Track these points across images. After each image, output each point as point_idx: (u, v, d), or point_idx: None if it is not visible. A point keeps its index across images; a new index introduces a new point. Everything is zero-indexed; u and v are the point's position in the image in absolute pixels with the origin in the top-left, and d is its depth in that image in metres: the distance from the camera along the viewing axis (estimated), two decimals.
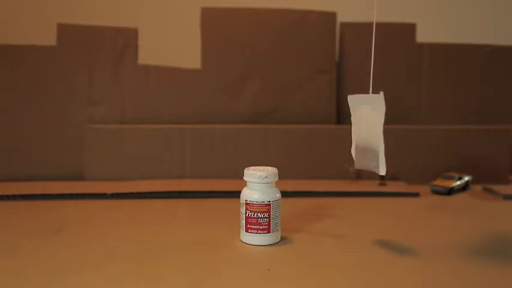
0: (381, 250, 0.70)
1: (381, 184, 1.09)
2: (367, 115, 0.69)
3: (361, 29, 1.27)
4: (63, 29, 1.17)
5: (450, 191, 1.05)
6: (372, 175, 1.14)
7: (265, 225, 0.70)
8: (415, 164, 1.16)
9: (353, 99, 0.70)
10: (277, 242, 0.71)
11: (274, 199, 0.70)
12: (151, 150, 1.15)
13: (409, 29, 1.27)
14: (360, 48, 1.27)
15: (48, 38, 1.17)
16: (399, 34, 1.27)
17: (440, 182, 1.07)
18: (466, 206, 0.98)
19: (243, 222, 0.71)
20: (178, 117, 1.20)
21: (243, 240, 0.71)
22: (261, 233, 0.70)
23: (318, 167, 1.16)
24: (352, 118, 0.71)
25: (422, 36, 1.27)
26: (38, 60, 1.16)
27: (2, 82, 1.15)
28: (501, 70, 1.29)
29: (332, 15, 1.24)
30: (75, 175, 1.15)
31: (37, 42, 1.17)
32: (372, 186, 1.08)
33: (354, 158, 0.72)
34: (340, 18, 1.25)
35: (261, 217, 0.69)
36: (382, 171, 0.68)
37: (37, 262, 0.64)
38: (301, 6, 1.24)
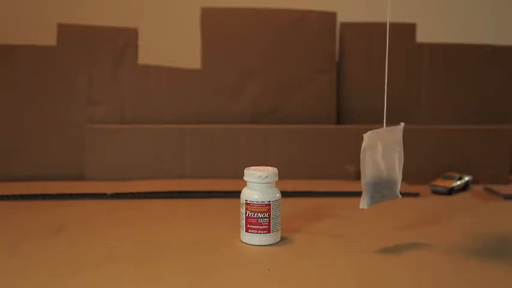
0: (381, 250, 0.70)
1: None
2: (388, 146, 0.70)
3: (361, 29, 1.27)
4: (63, 29, 1.17)
5: (450, 191, 1.05)
6: None
7: (265, 225, 0.70)
8: (415, 164, 1.16)
9: (369, 136, 0.68)
10: (277, 242, 0.71)
11: (274, 199, 0.70)
12: (151, 150, 1.15)
13: (409, 29, 1.27)
14: (360, 48, 1.27)
15: (48, 38, 1.17)
16: (399, 34, 1.27)
17: (440, 182, 1.07)
18: (467, 206, 0.98)
19: (243, 222, 0.71)
20: (178, 117, 1.20)
21: (243, 240, 0.71)
22: (261, 233, 0.70)
23: (318, 167, 1.16)
24: (364, 155, 0.68)
25: (422, 36, 1.27)
26: (38, 60, 1.16)
27: (2, 82, 1.15)
28: (501, 70, 1.29)
29: (332, 15, 1.24)
30: (75, 175, 1.15)
31: (37, 42, 1.16)
32: None
33: (366, 197, 0.69)
34: (340, 18, 1.25)
35: (261, 217, 0.69)
36: (398, 194, 0.72)
37: (37, 262, 0.64)
38: (301, 6, 1.24)
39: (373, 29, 1.25)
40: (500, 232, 0.80)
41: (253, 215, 0.70)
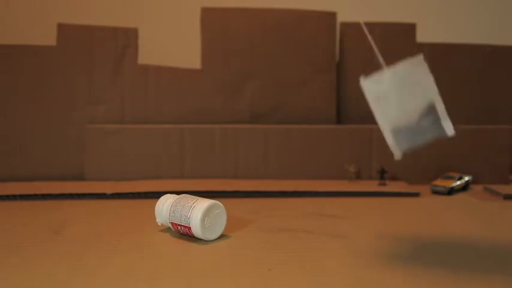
0: (381, 250, 0.70)
1: (380, 184, 1.09)
2: (407, 81, 0.63)
3: (361, 29, 1.27)
4: (63, 29, 1.17)
5: (450, 191, 1.05)
6: (372, 175, 1.15)
7: (186, 227, 0.71)
8: (415, 164, 1.16)
9: (367, 83, 0.63)
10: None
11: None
12: (151, 150, 1.15)
13: (409, 29, 1.27)
14: (360, 48, 1.27)
15: (48, 38, 1.17)
16: (399, 34, 1.27)
17: (440, 182, 1.07)
18: (466, 206, 0.98)
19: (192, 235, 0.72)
20: (178, 117, 1.20)
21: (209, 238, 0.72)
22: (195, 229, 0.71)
23: (318, 167, 1.16)
24: (373, 103, 0.63)
25: (422, 36, 1.27)
26: (38, 60, 1.16)
27: (2, 82, 1.15)
28: (501, 70, 1.29)
29: (332, 15, 1.24)
30: (75, 175, 1.15)
31: (37, 42, 1.17)
32: (372, 186, 1.08)
33: (394, 145, 0.62)
34: (340, 18, 1.25)
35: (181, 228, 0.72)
36: (451, 130, 0.63)
37: (37, 262, 0.64)
38: (301, 6, 1.24)
39: (373, 29, 1.25)
40: (500, 232, 0.80)
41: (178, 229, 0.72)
